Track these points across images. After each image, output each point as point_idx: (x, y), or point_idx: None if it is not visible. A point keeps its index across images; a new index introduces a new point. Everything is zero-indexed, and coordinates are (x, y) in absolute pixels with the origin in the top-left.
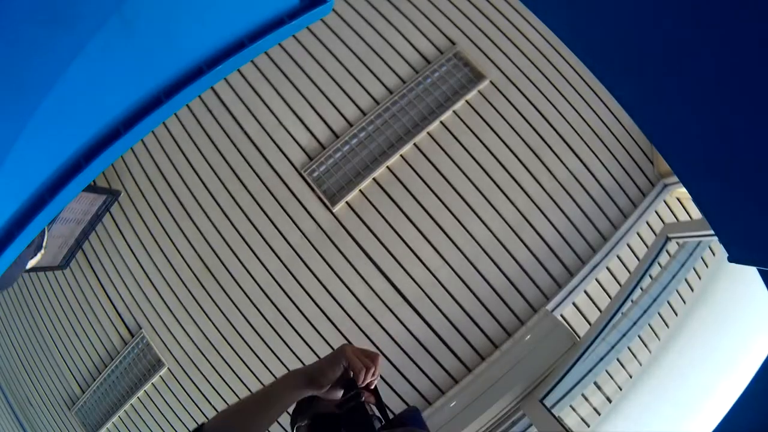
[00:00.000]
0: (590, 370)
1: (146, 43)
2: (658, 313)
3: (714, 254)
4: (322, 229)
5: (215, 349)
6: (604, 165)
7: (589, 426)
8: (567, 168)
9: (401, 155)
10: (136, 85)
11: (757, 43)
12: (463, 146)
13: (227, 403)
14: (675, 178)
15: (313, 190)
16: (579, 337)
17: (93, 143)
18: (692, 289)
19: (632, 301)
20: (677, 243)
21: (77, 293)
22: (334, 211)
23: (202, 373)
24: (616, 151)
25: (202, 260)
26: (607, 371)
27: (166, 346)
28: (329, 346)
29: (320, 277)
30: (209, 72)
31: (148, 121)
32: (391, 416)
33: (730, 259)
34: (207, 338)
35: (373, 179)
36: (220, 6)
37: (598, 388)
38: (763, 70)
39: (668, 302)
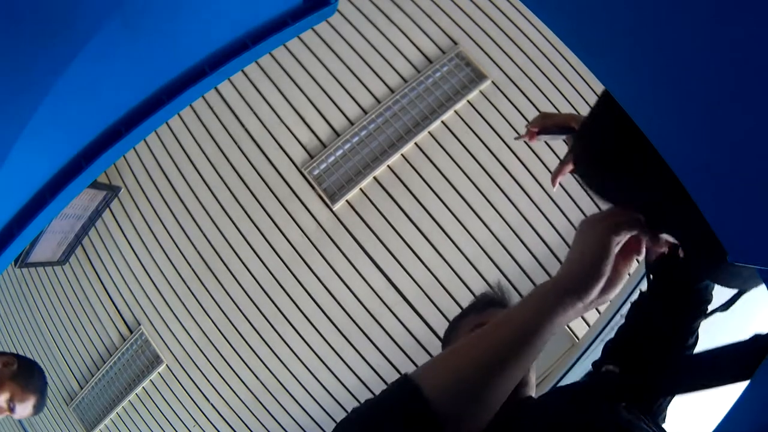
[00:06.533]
0: None
1: (149, 44)
2: None
3: None
4: (322, 227)
5: (213, 346)
6: None
7: None
8: None
9: (402, 154)
10: (138, 86)
11: (759, 41)
12: (463, 146)
13: (226, 401)
14: None
15: (313, 188)
16: (578, 338)
17: (94, 143)
18: None
19: (631, 302)
20: None
21: (76, 289)
22: (334, 209)
23: (200, 370)
24: None
25: (201, 257)
26: None
27: (164, 342)
28: (328, 345)
29: (320, 276)
30: (212, 73)
31: (149, 122)
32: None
33: (730, 259)
34: (205, 335)
35: (374, 178)
36: (224, 7)
37: None
38: (764, 68)
39: None
